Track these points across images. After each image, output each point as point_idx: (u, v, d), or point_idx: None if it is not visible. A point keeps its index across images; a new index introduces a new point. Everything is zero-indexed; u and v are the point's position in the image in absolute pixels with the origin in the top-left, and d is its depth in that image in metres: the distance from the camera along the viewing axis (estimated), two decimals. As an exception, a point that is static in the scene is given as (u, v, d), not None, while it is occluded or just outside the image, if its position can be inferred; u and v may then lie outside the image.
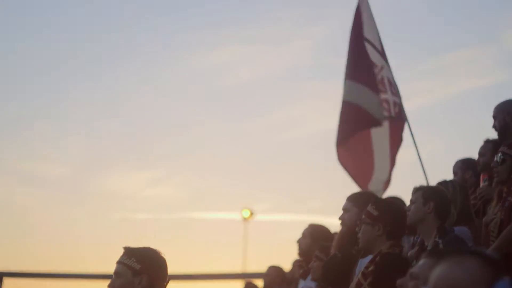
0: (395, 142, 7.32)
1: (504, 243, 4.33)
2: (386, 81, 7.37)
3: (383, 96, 7.30)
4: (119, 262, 3.27)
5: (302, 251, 5.65)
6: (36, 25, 31.66)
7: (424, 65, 27.19)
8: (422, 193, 4.39)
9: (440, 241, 4.19)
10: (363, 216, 4.18)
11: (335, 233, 5.32)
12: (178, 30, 34.07)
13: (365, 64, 7.31)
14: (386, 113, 7.31)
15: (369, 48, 7.37)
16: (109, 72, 33.73)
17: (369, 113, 7.16)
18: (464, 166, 5.67)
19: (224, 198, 38.49)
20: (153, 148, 35.78)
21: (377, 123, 7.21)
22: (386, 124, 7.35)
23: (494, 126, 5.39)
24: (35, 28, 31.63)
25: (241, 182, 37.94)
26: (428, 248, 4.26)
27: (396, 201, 4.89)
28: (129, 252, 3.28)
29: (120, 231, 30.81)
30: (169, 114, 35.06)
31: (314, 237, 5.43)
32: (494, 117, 5.39)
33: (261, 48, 34.05)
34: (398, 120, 7.30)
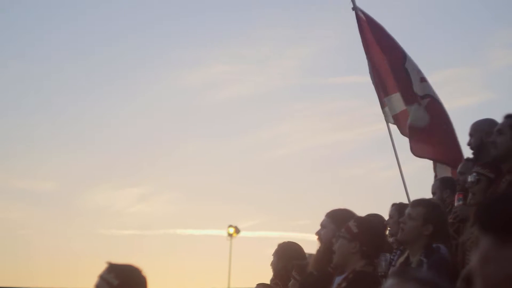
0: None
1: None
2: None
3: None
4: (100, 277, 3.34)
5: (273, 271, 5.59)
6: (23, 44, 31.66)
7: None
8: (424, 212, 4.31)
9: (425, 260, 4.16)
10: (342, 230, 4.15)
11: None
12: (165, 49, 34.16)
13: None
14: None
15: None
16: (98, 90, 33.76)
17: None
18: (442, 185, 5.68)
19: (209, 215, 38.52)
20: (140, 165, 35.76)
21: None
22: None
23: (469, 144, 5.42)
24: (23, 46, 31.65)
25: (226, 200, 37.98)
26: (413, 265, 4.21)
27: (377, 222, 4.87)
28: (110, 268, 3.34)
29: (107, 247, 30.75)
30: (156, 132, 35.11)
31: (280, 255, 5.35)
32: (471, 134, 5.40)
33: (248, 67, 34.23)
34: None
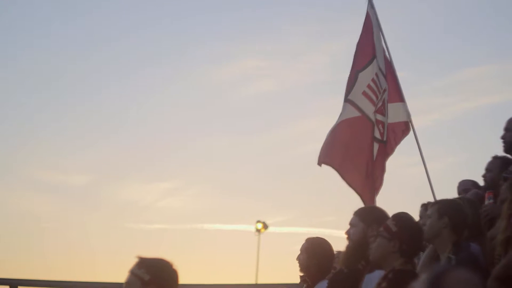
0: (381, 166, 7.08)
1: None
2: (386, 104, 7.19)
3: (380, 117, 7.07)
4: (130, 272, 3.31)
5: (302, 267, 5.56)
6: (56, 29, 31.93)
7: (440, 81, 27.13)
8: (438, 207, 4.36)
9: (453, 257, 4.15)
10: (381, 229, 4.12)
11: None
12: (195, 43, 34.28)
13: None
14: (379, 136, 7.06)
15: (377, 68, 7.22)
16: (127, 84, 33.99)
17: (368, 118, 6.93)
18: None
19: (237, 210, 38.61)
20: (169, 160, 35.95)
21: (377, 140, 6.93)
22: (376, 146, 7.09)
23: (503, 138, 5.33)
24: (53, 32, 31.92)
25: (255, 195, 38.07)
26: (441, 262, 4.18)
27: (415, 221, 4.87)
28: (141, 262, 3.31)
29: (135, 241, 30.95)
30: (186, 126, 35.25)
31: (310, 252, 5.29)
32: (507, 129, 5.32)
33: (277, 62, 34.22)
34: (386, 146, 7.13)
